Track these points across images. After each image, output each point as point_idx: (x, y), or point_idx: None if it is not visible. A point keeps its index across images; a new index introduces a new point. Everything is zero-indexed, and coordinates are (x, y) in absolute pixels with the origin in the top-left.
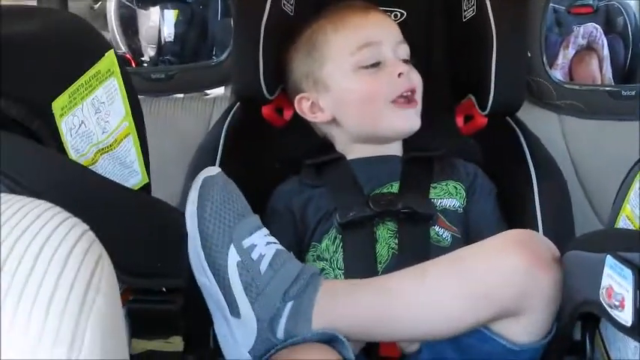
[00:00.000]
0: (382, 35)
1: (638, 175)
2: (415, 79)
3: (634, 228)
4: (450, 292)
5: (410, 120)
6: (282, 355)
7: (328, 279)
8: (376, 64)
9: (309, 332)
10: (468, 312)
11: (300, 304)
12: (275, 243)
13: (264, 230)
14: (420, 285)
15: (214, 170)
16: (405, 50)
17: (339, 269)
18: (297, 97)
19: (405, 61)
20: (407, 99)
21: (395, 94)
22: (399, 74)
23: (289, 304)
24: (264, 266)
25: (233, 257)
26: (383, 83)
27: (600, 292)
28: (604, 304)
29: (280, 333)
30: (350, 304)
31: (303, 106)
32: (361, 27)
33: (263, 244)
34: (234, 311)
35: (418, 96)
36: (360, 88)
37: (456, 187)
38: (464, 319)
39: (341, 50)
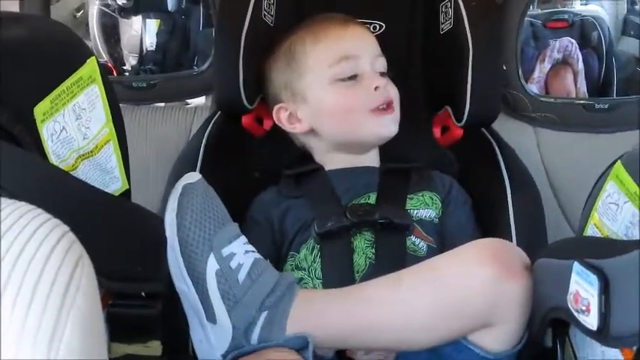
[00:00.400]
0: (360, 49)
1: (605, 185)
2: (392, 92)
3: (602, 236)
4: (424, 301)
5: (387, 126)
6: (249, 358)
7: (305, 288)
8: (353, 77)
9: (282, 338)
10: (441, 321)
11: (275, 313)
12: (253, 252)
13: (243, 238)
14: (396, 294)
15: (195, 177)
16: (382, 63)
17: (318, 279)
18: (276, 108)
19: (382, 74)
20: (384, 109)
21: (371, 107)
22: (376, 88)
23: (264, 314)
24: (242, 275)
25: (212, 265)
26: (359, 96)
27: (568, 298)
28: (571, 310)
29: (254, 340)
30: (326, 314)
31: (281, 116)
32: (340, 40)
33: (242, 252)
34: (211, 317)
35: (395, 106)
36: (337, 100)
37: (432, 198)
38: (438, 328)
39: (319, 62)
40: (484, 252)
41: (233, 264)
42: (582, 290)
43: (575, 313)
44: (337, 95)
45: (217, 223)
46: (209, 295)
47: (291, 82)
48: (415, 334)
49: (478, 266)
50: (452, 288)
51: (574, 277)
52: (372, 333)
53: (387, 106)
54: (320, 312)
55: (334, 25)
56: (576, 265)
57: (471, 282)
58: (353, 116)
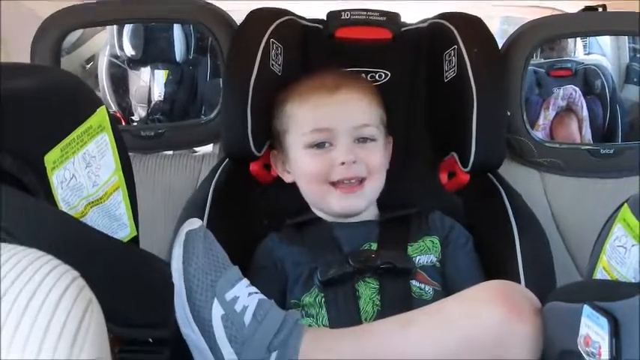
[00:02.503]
0: (338, 121)
1: (612, 228)
2: (361, 170)
3: (610, 279)
4: (432, 342)
5: (347, 203)
6: None
7: (312, 326)
8: (327, 144)
9: None
10: None
11: (285, 352)
12: (257, 293)
13: (246, 281)
14: (404, 335)
15: (196, 223)
16: (368, 131)
17: (325, 325)
18: (272, 153)
19: (364, 140)
20: (350, 185)
21: (331, 180)
22: (342, 163)
23: (274, 354)
24: (247, 318)
25: (217, 310)
26: (323, 167)
27: (578, 341)
28: (582, 353)
29: None
30: (335, 351)
31: (276, 161)
32: (319, 110)
33: (245, 295)
34: None
35: (368, 182)
36: (306, 164)
37: (432, 242)
38: None
39: (298, 127)
40: (493, 293)
41: (238, 307)
42: (593, 333)
43: (586, 357)
44: (307, 160)
45: (219, 268)
46: (216, 340)
47: (280, 135)
48: None
49: (487, 307)
50: (461, 329)
51: (584, 321)
52: None
53: (356, 182)
54: (329, 349)
55: (322, 90)
56: (586, 309)
57: (481, 323)
58: (316, 184)
